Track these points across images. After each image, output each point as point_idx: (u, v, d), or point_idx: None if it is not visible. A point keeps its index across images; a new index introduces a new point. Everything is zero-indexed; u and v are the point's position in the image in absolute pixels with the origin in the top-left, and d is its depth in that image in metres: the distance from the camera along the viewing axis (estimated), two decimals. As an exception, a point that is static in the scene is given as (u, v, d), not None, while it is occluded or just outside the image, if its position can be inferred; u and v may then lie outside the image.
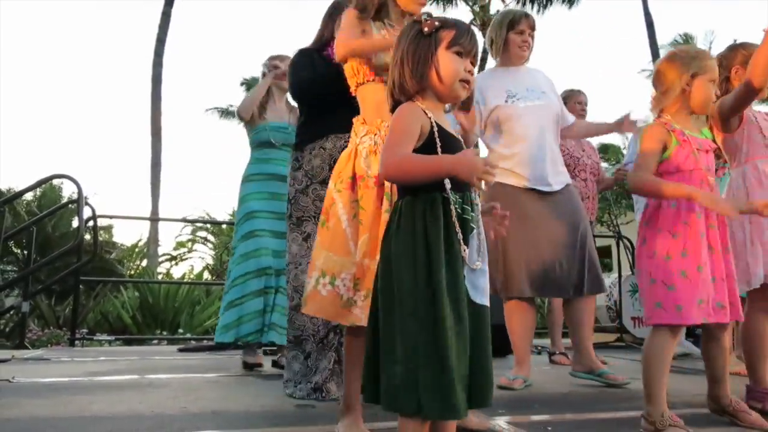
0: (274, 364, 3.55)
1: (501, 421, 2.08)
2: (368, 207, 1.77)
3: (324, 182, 2.54)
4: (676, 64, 2.04)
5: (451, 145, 1.43)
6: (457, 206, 1.37)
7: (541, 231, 2.84)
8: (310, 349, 2.52)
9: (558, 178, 2.95)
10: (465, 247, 1.36)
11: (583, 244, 2.90)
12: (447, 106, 1.59)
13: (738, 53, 2.48)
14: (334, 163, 2.48)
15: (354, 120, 1.95)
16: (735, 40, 2.66)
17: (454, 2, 20.61)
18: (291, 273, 2.61)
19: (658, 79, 2.09)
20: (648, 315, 1.95)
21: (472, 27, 1.51)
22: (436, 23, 1.46)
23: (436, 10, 19.35)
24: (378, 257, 1.55)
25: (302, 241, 2.59)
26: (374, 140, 1.85)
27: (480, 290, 1.38)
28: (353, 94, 2.02)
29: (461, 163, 1.37)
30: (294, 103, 3.65)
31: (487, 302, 1.39)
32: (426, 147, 1.40)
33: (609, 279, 6.27)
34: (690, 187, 1.92)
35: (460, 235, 1.35)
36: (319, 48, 2.77)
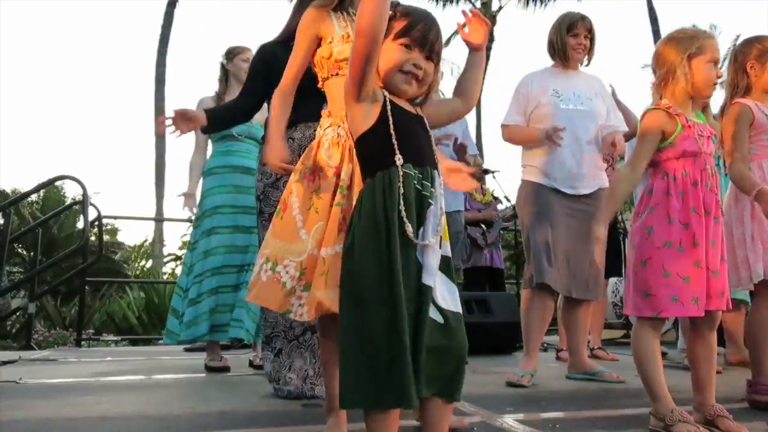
0: (250, 363, 3.51)
1: (509, 419, 2.07)
2: (326, 197, 1.74)
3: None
4: (674, 45, 1.99)
5: (407, 120, 1.42)
6: (415, 181, 1.36)
7: (558, 229, 2.90)
8: (280, 347, 2.45)
9: (587, 182, 2.97)
10: (408, 224, 1.32)
11: (585, 249, 2.94)
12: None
13: (753, 47, 2.42)
14: (303, 152, 2.46)
15: (321, 113, 1.94)
16: (738, 35, 2.63)
17: (453, 1, 20.55)
18: None
19: (657, 60, 2.03)
20: (662, 308, 1.87)
21: (434, 18, 1.46)
22: (390, 12, 1.40)
23: (434, 8, 19.31)
24: (330, 248, 1.60)
25: None
26: (337, 132, 1.82)
27: (428, 269, 1.34)
28: (321, 88, 1.99)
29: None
30: None
31: (431, 283, 1.33)
32: (378, 125, 1.39)
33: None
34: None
35: (403, 212, 1.32)
36: (287, 39, 2.65)
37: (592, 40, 3.12)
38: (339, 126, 1.84)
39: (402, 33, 1.41)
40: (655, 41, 20.67)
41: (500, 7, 20.74)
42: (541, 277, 2.85)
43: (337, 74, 1.91)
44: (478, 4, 20.46)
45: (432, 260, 1.34)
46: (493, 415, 2.11)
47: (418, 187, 1.36)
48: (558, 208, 2.92)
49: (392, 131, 1.37)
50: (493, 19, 19.51)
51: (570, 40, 3.07)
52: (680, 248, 1.88)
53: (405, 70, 1.41)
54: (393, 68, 1.41)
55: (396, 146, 1.37)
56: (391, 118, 1.39)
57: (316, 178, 1.78)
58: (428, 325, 1.30)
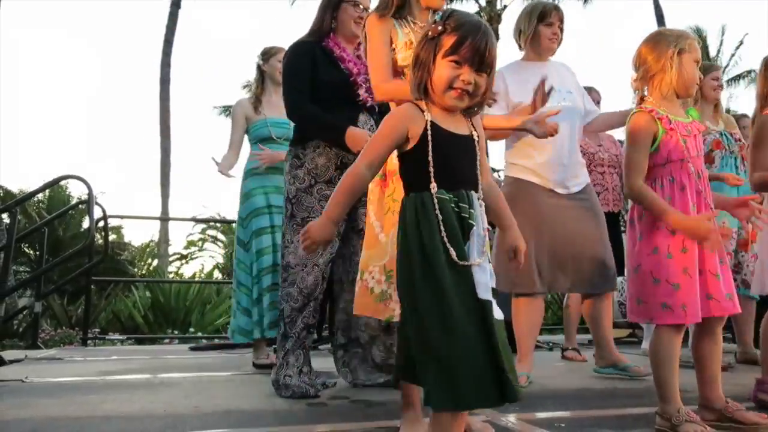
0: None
1: (513, 418, 2.06)
2: (400, 198, 1.76)
3: (330, 182, 2.49)
4: (660, 43, 1.95)
5: (449, 143, 1.46)
6: (452, 205, 1.41)
7: (556, 228, 2.83)
8: (289, 347, 2.48)
9: (577, 180, 2.94)
10: (451, 248, 1.37)
11: (599, 241, 2.90)
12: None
13: None
14: (341, 162, 2.49)
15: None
16: (746, 34, 2.63)
17: (467, -1, 20.50)
18: (298, 275, 2.52)
19: (640, 59, 1.99)
20: (653, 315, 1.88)
21: (485, 30, 1.44)
22: (439, 28, 1.44)
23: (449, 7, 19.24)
24: None
25: None
26: None
27: (481, 285, 1.38)
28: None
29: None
30: None
31: (489, 297, 1.38)
32: (418, 147, 1.45)
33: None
34: (682, 216, 1.85)
35: (444, 235, 1.38)
36: (318, 38, 2.66)
37: (563, 31, 3.05)
38: None
39: (451, 51, 1.42)
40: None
41: (505, 6, 20.68)
42: (529, 287, 2.80)
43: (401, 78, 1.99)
44: (483, 2, 20.42)
45: (481, 277, 1.39)
46: (498, 414, 2.10)
47: (456, 209, 1.41)
48: (549, 208, 2.83)
49: (430, 158, 1.43)
50: (498, 17, 19.45)
51: (545, 29, 2.98)
52: (669, 255, 1.85)
53: (455, 86, 1.43)
54: (444, 86, 1.44)
55: (432, 173, 1.42)
56: (430, 144, 1.43)
57: (390, 183, 1.86)
58: (499, 330, 1.36)
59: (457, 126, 1.49)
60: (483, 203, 1.49)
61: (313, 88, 2.57)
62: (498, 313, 1.39)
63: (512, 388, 1.31)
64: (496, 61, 1.47)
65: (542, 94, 2.63)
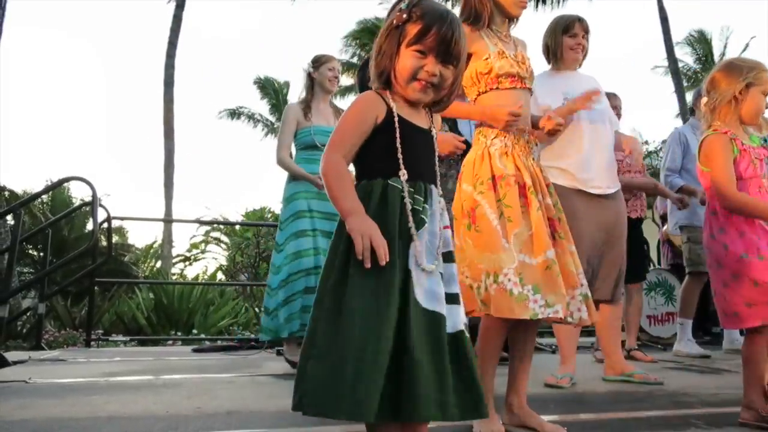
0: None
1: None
2: (513, 204, 1.88)
3: None
4: (733, 72, 2.09)
5: (411, 134, 1.39)
6: (407, 195, 1.33)
7: (581, 231, 2.83)
8: None
9: (609, 182, 2.97)
10: (417, 242, 1.30)
11: (620, 250, 2.97)
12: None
13: None
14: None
15: (475, 128, 2.10)
16: (753, 37, 2.66)
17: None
18: None
19: (712, 85, 2.13)
20: (760, 313, 1.96)
21: (452, 19, 1.38)
22: (404, 16, 1.36)
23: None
24: (542, 253, 1.79)
25: None
26: (504, 142, 1.99)
27: (431, 294, 1.28)
28: (473, 102, 2.12)
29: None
30: (340, 105, 3.70)
31: (440, 309, 1.28)
32: (381, 135, 1.36)
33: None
34: None
35: (412, 226, 1.30)
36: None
37: (588, 41, 3.12)
38: (505, 137, 2.01)
39: (416, 40, 1.36)
40: (666, 41, 20.27)
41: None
42: None
43: (496, 88, 2.07)
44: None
45: (436, 287, 1.29)
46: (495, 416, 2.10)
47: (410, 201, 1.33)
48: (580, 213, 2.86)
49: (398, 144, 1.36)
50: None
51: (568, 40, 3.07)
52: (760, 257, 1.97)
53: (419, 77, 1.37)
54: (407, 77, 1.37)
55: (401, 160, 1.35)
56: (398, 131, 1.36)
57: (498, 188, 1.91)
58: (449, 347, 1.27)
59: (418, 119, 1.43)
60: (443, 201, 1.42)
61: None
62: (453, 327, 1.30)
63: (419, 406, 1.18)
64: (464, 53, 1.42)
65: (585, 99, 2.73)
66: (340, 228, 1.33)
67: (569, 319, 1.93)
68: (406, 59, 1.37)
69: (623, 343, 4.22)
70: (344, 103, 17.46)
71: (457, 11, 1.80)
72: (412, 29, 1.36)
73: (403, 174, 1.34)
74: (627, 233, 3.46)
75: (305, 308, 3.37)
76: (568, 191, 2.87)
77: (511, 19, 2.23)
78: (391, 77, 1.40)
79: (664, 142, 4.59)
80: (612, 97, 4.22)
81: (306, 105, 3.66)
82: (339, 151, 1.35)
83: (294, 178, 3.60)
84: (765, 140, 3.57)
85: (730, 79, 2.08)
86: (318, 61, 3.68)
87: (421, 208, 1.34)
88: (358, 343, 1.20)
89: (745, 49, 23.35)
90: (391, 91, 1.42)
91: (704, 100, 2.15)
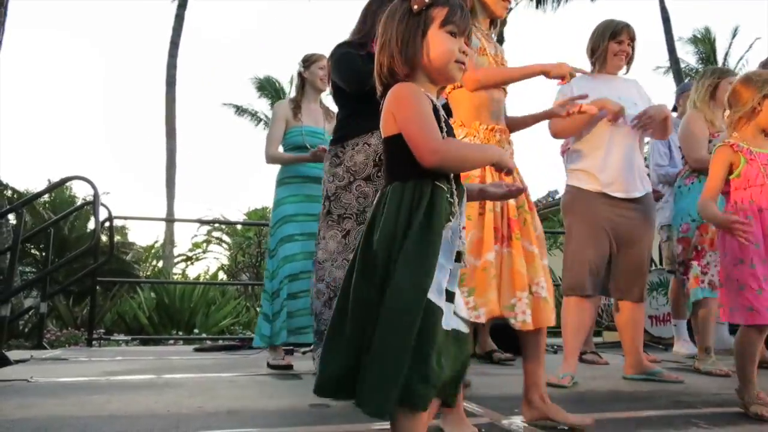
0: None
1: (517, 420, 2.06)
2: (472, 204, 1.87)
3: (368, 179, 2.51)
4: (751, 85, 2.25)
5: (449, 129, 1.39)
6: (448, 195, 1.32)
7: (602, 236, 2.93)
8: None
9: (635, 185, 2.99)
10: (462, 241, 1.32)
11: (645, 252, 3.02)
12: None
13: None
14: (379, 159, 2.51)
15: (451, 122, 2.05)
16: (757, 38, 2.73)
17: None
18: (325, 270, 2.55)
19: (734, 97, 2.28)
20: (742, 316, 2.15)
21: (465, 6, 1.43)
22: (427, 0, 1.37)
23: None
24: (484, 255, 1.77)
25: (342, 237, 2.54)
26: (475, 141, 1.99)
27: (437, 289, 1.27)
28: (445, 98, 2.11)
29: (501, 152, 1.43)
30: (331, 106, 3.61)
31: (438, 302, 1.27)
32: None
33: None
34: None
35: (452, 225, 1.30)
36: (361, 43, 2.69)
37: (634, 49, 3.14)
38: (474, 136, 2.01)
39: (447, 20, 1.37)
40: (668, 41, 20.34)
41: (510, 8, 20.74)
42: (581, 289, 2.90)
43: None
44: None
45: (442, 279, 1.28)
46: (501, 416, 2.10)
47: (451, 201, 1.32)
48: (605, 215, 2.93)
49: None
50: (503, 20, 19.50)
51: (614, 46, 3.10)
52: (752, 265, 2.12)
53: (457, 59, 1.38)
54: (447, 59, 1.37)
55: None
56: (444, 126, 1.35)
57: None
58: (442, 340, 1.25)
59: (439, 106, 1.41)
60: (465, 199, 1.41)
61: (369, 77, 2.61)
62: (449, 324, 1.29)
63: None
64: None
65: (615, 110, 2.84)
66: (374, 225, 1.30)
67: (512, 321, 1.92)
68: (442, 42, 1.37)
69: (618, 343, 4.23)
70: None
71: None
72: (439, 12, 1.37)
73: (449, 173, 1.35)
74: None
75: (293, 314, 3.36)
76: (592, 195, 2.95)
77: (494, 19, 2.22)
78: (418, 64, 1.38)
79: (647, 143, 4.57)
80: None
81: (296, 105, 3.62)
82: (434, 138, 1.30)
83: (282, 182, 3.57)
84: None
85: (748, 92, 2.23)
86: (308, 60, 3.65)
87: (457, 210, 1.34)
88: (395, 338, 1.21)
89: (748, 50, 23.32)
90: (414, 80, 1.39)
91: (726, 112, 2.31)
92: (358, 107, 2.61)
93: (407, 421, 1.23)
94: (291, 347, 3.98)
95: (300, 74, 3.69)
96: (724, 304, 2.25)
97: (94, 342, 5.49)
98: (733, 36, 23.77)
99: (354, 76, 2.61)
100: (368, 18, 2.74)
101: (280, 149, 3.62)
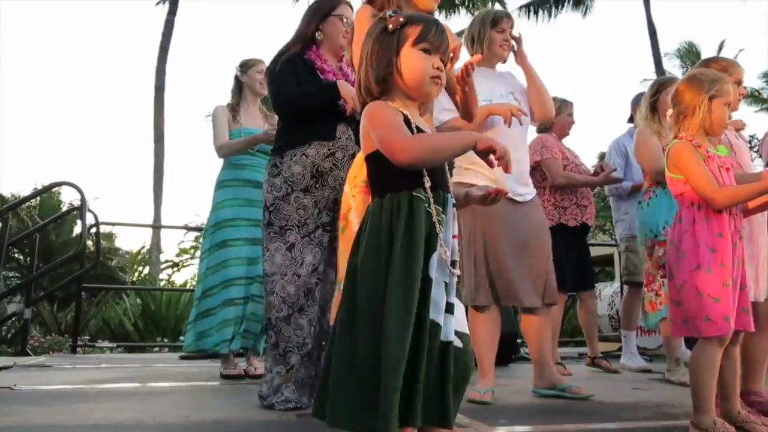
0: (245, 374, 3.46)
1: (503, 431, 2.07)
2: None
3: (306, 190, 2.48)
4: (695, 86, 2.11)
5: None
6: (426, 205, 1.34)
7: (507, 240, 2.76)
8: (294, 362, 2.42)
9: (527, 188, 2.89)
10: (446, 249, 1.33)
11: (541, 254, 2.83)
12: None
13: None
14: (317, 171, 2.50)
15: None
16: (741, 50, 2.74)
17: (456, 11, 20.69)
18: (276, 283, 2.47)
19: (677, 97, 2.16)
20: (698, 327, 1.97)
21: (441, 24, 1.46)
22: (401, 19, 1.41)
23: (437, 16, 19.39)
24: None
25: (286, 251, 2.47)
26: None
27: (434, 304, 1.31)
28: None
29: (479, 135, 1.41)
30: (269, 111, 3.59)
31: (438, 319, 1.31)
32: None
33: (611, 288, 6.24)
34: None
35: (441, 236, 1.33)
36: (300, 49, 2.66)
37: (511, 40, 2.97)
38: None
39: (420, 38, 1.40)
40: (654, 55, 20.55)
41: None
42: (482, 299, 2.75)
43: None
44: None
45: (437, 295, 1.31)
46: (488, 427, 2.11)
47: (429, 210, 1.34)
48: (499, 217, 2.73)
49: None
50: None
51: (497, 35, 2.92)
52: (708, 270, 1.96)
53: (431, 75, 1.41)
54: (422, 76, 1.41)
55: (425, 170, 1.36)
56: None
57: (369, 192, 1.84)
58: (436, 356, 1.30)
59: (419, 121, 1.44)
60: (455, 209, 1.43)
61: (298, 100, 2.58)
62: (463, 326, 1.35)
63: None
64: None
65: (508, 112, 2.69)
66: (359, 244, 1.36)
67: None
68: (414, 60, 1.41)
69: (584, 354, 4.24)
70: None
71: (448, 19, 1.82)
72: (413, 31, 1.41)
73: (427, 181, 1.35)
74: (569, 241, 3.38)
75: (226, 321, 3.31)
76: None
77: (429, 13, 2.08)
78: (392, 82, 1.42)
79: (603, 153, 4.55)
80: (569, 105, 4.25)
81: (233, 108, 3.61)
82: (403, 136, 1.35)
83: (221, 185, 3.53)
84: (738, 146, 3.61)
85: (693, 92, 2.10)
86: (246, 65, 3.67)
87: (440, 219, 1.35)
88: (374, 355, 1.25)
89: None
90: (390, 98, 1.44)
91: (669, 111, 2.17)
92: (294, 119, 2.60)
93: None
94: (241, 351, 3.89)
95: (237, 78, 3.70)
96: (674, 317, 2.07)
97: (78, 349, 5.45)
98: (719, 50, 24.00)
99: (280, 101, 2.62)
100: (305, 22, 2.71)
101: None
